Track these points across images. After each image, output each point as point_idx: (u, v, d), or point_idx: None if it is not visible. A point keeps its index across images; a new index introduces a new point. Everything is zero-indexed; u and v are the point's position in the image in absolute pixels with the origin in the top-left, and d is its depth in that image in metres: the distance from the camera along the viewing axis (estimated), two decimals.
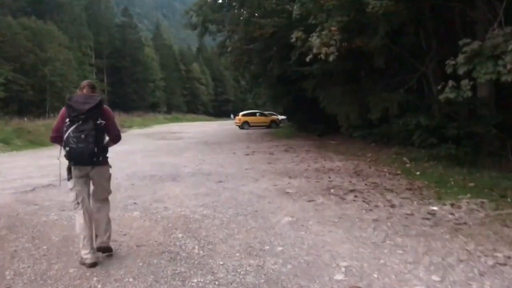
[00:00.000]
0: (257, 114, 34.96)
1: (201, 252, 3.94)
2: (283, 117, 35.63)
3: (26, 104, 46.88)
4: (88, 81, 4.06)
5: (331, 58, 7.18)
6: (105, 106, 3.80)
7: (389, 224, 4.75)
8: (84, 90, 3.85)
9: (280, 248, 3.98)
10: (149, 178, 8.30)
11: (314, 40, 7.32)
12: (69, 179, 3.74)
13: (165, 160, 11.54)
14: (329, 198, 6.12)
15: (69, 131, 3.52)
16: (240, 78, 26.40)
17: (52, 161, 12.06)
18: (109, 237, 3.87)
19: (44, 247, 4.17)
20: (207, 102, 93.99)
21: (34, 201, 6.30)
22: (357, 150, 12.74)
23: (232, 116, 72.89)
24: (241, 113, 35.02)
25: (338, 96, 13.10)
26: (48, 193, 6.93)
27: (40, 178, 8.50)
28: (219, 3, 19.50)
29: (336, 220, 4.92)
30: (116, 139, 3.94)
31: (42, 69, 47.51)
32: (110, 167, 3.96)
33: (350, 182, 7.48)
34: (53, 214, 5.48)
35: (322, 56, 7.23)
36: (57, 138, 3.74)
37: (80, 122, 3.53)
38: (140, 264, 3.68)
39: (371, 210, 5.42)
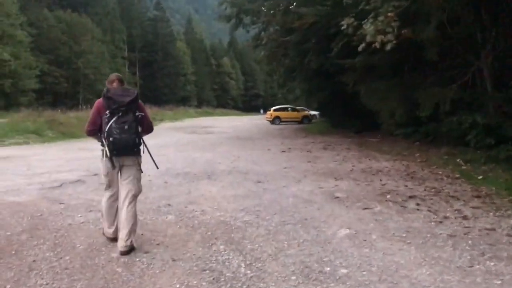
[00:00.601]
0: (289, 109, 34.21)
1: (249, 272, 3.29)
2: (315, 112, 34.76)
3: (60, 95, 47.82)
4: (116, 74, 4.12)
5: (389, 47, 6.38)
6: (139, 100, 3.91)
7: (470, 242, 3.96)
8: (114, 84, 3.93)
9: (344, 271, 3.28)
10: (182, 176, 7.74)
11: (368, 27, 6.54)
12: (114, 167, 3.82)
13: (198, 156, 10.99)
14: (387, 206, 5.35)
15: (111, 122, 3.63)
16: (273, 72, 25.57)
17: (82, 154, 11.77)
18: (131, 239, 3.77)
19: (67, 257, 3.61)
20: (237, 97, 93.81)
21: (60, 199, 5.82)
22: (402, 149, 11.82)
23: (261, 111, 72.29)
24: (272, 108, 34.30)
25: (382, 91, 12.18)
26: (75, 190, 6.45)
27: (69, 173, 8.09)
28: None
29: (403, 235, 4.16)
30: (149, 130, 4.04)
31: (76, 61, 48.30)
32: (141, 161, 4.03)
33: (406, 186, 6.67)
34: (79, 215, 4.95)
35: (377, 45, 6.44)
36: (93, 131, 3.86)
37: (121, 114, 3.64)
38: (177, 286, 3.06)
39: (441, 222, 4.63)
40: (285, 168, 8.72)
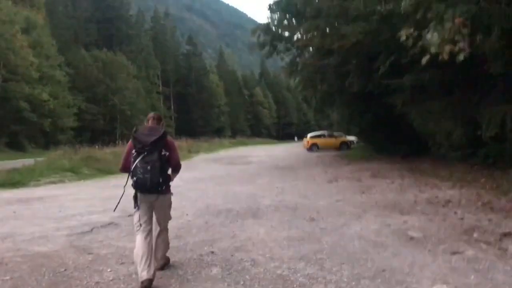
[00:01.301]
0: (326, 135, 33.14)
1: None
2: (352, 138, 33.51)
3: (98, 132, 48.75)
4: (154, 113, 4.26)
5: (461, 57, 5.46)
6: (168, 137, 3.97)
7: None
8: (149, 122, 4.07)
9: None
10: (224, 214, 6.92)
11: (431, 37, 5.66)
12: (135, 206, 3.91)
13: (239, 189, 10.19)
14: (480, 248, 4.31)
15: (136, 162, 3.73)
16: (309, 98, 24.80)
17: (116, 191, 11.23)
18: (163, 256, 4.14)
19: None
20: (270, 125, 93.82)
21: (89, 248, 5.11)
22: (463, 175, 10.58)
23: (296, 138, 71.40)
24: (308, 135, 33.33)
25: (437, 111, 11.10)
26: (107, 236, 5.75)
27: (102, 214, 7.45)
28: (290, 16, 18.28)
29: None
30: (177, 168, 4.07)
31: (112, 98, 49.40)
32: (172, 194, 4.11)
33: (490, 220, 5.57)
34: (109, 270, 4.19)
35: (445, 56, 5.54)
36: (125, 169, 3.95)
37: (146, 153, 3.72)
38: None
39: None
40: (338, 201, 7.76)
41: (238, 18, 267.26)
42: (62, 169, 16.74)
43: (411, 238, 4.84)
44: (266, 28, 18.87)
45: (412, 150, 17.51)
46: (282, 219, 6.32)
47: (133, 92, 52.36)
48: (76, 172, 16.93)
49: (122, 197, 4.06)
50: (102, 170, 18.27)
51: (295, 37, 19.02)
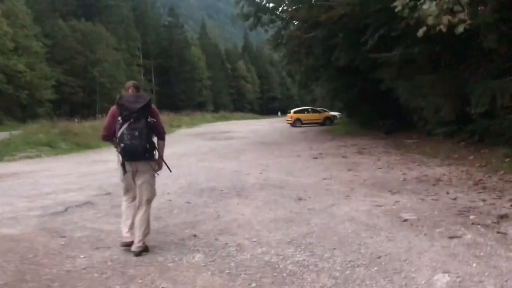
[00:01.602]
0: (309, 110, 32.93)
1: None
2: (336, 113, 33.43)
3: (77, 105, 47.48)
4: (132, 81, 4.21)
5: (461, 29, 5.13)
6: (152, 105, 3.94)
7: None
8: (130, 91, 4.01)
9: None
10: (207, 193, 6.60)
11: (428, 7, 5.30)
12: (124, 173, 3.91)
13: (222, 166, 9.87)
14: (478, 232, 4.09)
15: (122, 128, 3.71)
16: (294, 72, 24.34)
17: (95, 167, 10.76)
18: (142, 241, 3.89)
19: None
20: (254, 100, 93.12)
21: (62, 230, 4.74)
22: (450, 151, 10.44)
23: (279, 113, 71.06)
24: (292, 111, 33.03)
25: (426, 87, 10.85)
26: (82, 216, 5.37)
27: (78, 192, 7.05)
28: None
29: None
30: (162, 135, 4.08)
31: (91, 70, 47.91)
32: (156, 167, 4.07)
33: (484, 200, 5.38)
34: (82, 256, 3.83)
35: (443, 28, 5.20)
36: (107, 137, 3.97)
37: (132, 120, 3.70)
38: None
39: None
40: (325, 179, 7.50)
41: None
42: (39, 144, 16.11)
43: (405, 220, 4.60)
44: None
45: (397, 126, 17.43)
46: (268, 198, 6.04)
47: (113, 65, 50.88)
48: (53, 147, 16.32)
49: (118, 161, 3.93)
50: (81, 145, 17.69)
51: (280, 9, 18.46)
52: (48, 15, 46.65)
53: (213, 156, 12.34)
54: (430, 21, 5.30)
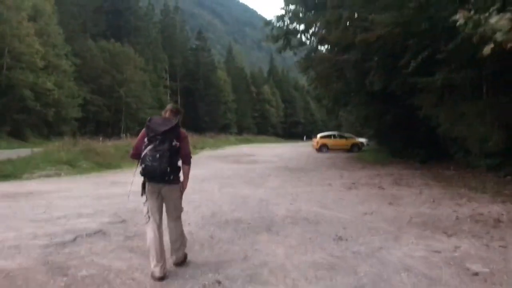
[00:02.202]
0: (336, 136, 32.03)
1: None
2: (363, 139, 32.39)
3: (102, 124, 47.90)
4: (172, 105, 4.16)
5: None
6: (181, 129, 3.93)
7: None
8: (166, 114, 4.03)
9: None
10: (233, 225, 5.86)
11: (497, 21, 4.58)
12: (142, 194, 3.91)
13: (248, 193, 9.14)
14: None
15: (146, 149, 3.77)
16: (322, 97, 23.64)
17: (113, 189, 10.20)
18: (183, 253, 4.04)
19: None
20: (277, 124, 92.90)
21: (66, 267, 4.07)
22: (498, 187, 9.45)
23: (304, 138, 70.22)
24: (318, 135, 32.20)
25: (470, 115, 9.96)
26: (91, 249, 4.70)
27: (91, 218, 6.42)
28: (306, 8, 17.17)
29: None
30: (186, 159, 3.99)
31: (118, 90, 48.45)
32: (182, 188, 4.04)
33: None
34: None
35: None
36: (135, 155, 3.96)
37: (157, 142, 3.74)
38: None
39: None
40: (365, 214, 6.67)
41: (248, 15, 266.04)
42: (59, 162, 15.77)
43: (475, 274, 3.76)
44: (280, 20, 17.82)
45: (431, 155, 16.43)
46: (303, 236, 5.25)
47: (139, 85, 51.40)
48: (73, 166, 15.97)
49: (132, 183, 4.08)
50: (102, 164, 17.31)
51: (310, 31, 17.98)
52: (78, 35, 47.69)
53: (237, 181, 11.65)
54: (500, 37, 4.54)
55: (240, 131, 72.34)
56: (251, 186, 10.62)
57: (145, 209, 3.90)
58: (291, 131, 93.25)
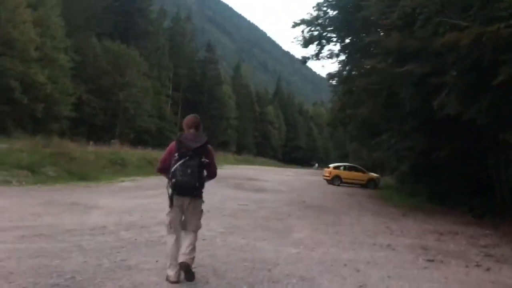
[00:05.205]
0: (350, 168, 28.61)
1: None
2: (376, 175, 28.76)
3: (95, 127, 44.36)
4: (194, 117, 4.41)
5: None
6: (209, 146, 4.19)
7: None
8: (191, 130, 4.23)
9: None
10: None
11: None
12: (170, 206, 4.08)
13: (270, 254, 5.60)
14: None
15: (177, 164, 3.94)
16: (343, 122, 20.23)
17: (65, 218, 6.65)
18: (192, 258, 4.03)
19: None
20: (278, 147, 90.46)
21: None
22: None
23: (316, 165, 66.66)
24: (331, 165, 28.82)
25: None
26: None
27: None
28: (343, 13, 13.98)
29: None
30: (211, 174, 4.27)
31: (117, 93, 45.17)
32: (203, 202, 4.24)
33: None
34: None
35: None
36: (162, 170, 4.24)
37: (188, 158, 3.94)
38: None
39: None
40: None
41: (257, 36, 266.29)
42: (16, 166, 12.21)
43: None
44: (313, 22, 14.62)
45: (489, 207, 13.02)
46: None
47: (140, 91, 48.11)
48: (35, 171, 12.42)
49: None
50: (74, 174, 13.77)
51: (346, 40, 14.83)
52: (83, 32, 44.63)
53: (246, 223, 8.17)
54: None
55: (239, 150, 69.23)
56: (270, 235, 7.13)
57: (167, 220, 4.14)
58: (291, 155, 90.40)
